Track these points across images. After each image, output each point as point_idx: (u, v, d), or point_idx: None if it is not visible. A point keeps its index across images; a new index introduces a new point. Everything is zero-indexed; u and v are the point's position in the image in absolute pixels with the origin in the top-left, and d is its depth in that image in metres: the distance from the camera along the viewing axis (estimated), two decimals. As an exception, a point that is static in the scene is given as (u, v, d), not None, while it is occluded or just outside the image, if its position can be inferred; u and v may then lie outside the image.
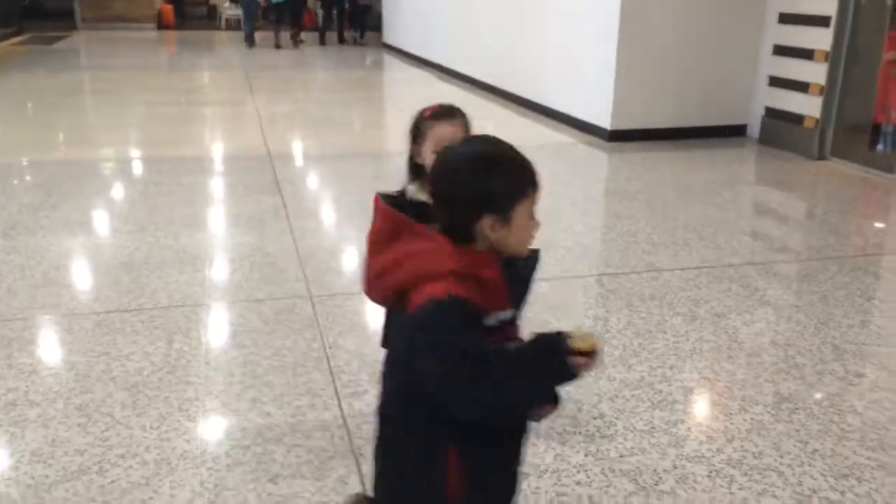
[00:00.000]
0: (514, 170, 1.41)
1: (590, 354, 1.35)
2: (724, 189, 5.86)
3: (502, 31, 9.54)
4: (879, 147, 6.52)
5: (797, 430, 2.63)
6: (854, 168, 6.43)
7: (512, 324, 1.47)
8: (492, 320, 1.38)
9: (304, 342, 3.22)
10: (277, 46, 15.67)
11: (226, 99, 9.93)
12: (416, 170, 2.15)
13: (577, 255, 4.37)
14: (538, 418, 1.60)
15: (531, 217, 1.43)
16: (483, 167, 1.39)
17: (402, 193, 1.97)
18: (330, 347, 3.18)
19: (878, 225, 5.33)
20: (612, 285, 3.95)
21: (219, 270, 4.05)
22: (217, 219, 5.00)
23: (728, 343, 3.27)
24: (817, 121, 6.70)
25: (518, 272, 1.49)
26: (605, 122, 7.33)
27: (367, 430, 2.59)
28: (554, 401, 1.55)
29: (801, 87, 6.82)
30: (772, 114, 7.23)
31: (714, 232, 4.71)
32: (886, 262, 4.37)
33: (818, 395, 2.86)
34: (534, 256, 1.55)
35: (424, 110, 2.16)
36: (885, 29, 6.64)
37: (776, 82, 7.15)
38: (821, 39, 6.57)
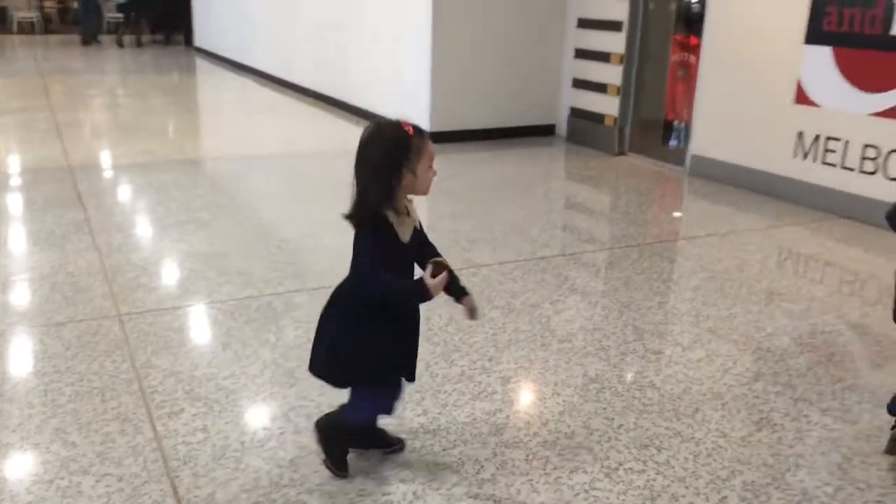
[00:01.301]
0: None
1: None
2: (536, 186, 6.16)
3: (323, 35, 9.47)
4: (672, 143, 7.12)
5: (604, 409, 2.81)
6: (650, 162, 6.98)
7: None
8: None
9: (112, 364, 3.04)
10: (119, 45, 15.94)
11: (18, 107, 9.14)
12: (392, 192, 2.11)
13: (398, 256, 4.42)
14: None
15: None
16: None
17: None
18: (141, 367, 3.02)
19: (672, 214, 5.82)
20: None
21: (14, 294, 3.73)
22: (12, 237, 4.59)
23: (542, 332, 3.45)
24: (616, 119, 7.20)
25: None
26: (425, 125, 7.44)
27: (183, 451, 2.49)
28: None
29: (601, 88, 7.31)
30: (576, 113, 7.69)
31: (529, 226, 4.94)
32: (679, 247, 4.78)
33: (622, 374, 3.08)
34: None
35: (406, 127, 2.11)
36: (671, 33, 7.25)
37: (579, 84, 7.61)
38: (615, 43, 7.07)
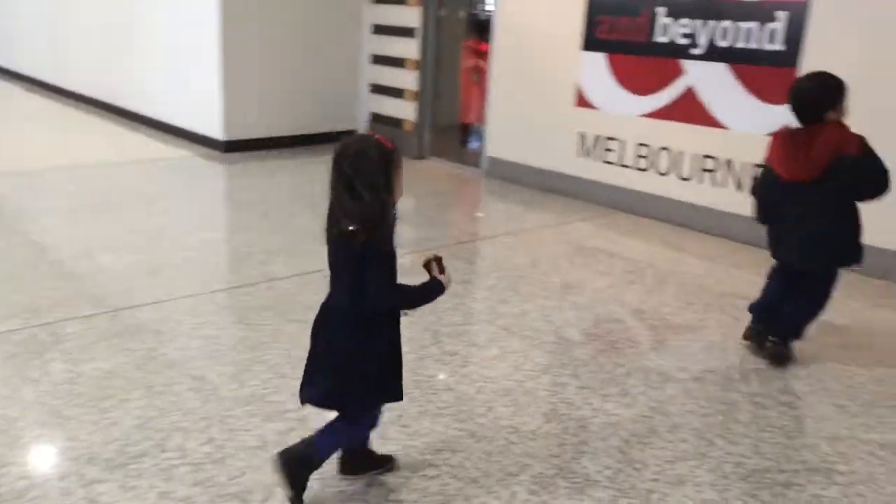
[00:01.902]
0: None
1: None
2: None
3: (106, 40, 8.81)
4: (473, 145, 7.33)
5: (399, 417, 2.79)
6: (450, 166, 7.13)
7: None
8: None
9: None
10: None
11: None
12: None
13: (189, 273, 4.18)
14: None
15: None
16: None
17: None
18: None
19: (471, 215, 5.98)
20: (225, 301, 3.85)
21: None
22: None
23: (339, 343, 3.38)
24: (414, 124, 7.30)
25: None
26: (219, 134, 7.17)
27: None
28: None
29: (398, 93, 7.37)
30: (377, 119, 7.71)
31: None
32: (477, 247, 4.90)
33: (418, 380, 3.08)
34: None
35: (389, 143, 2.13)
36: (462, 39, 7.47)
37: (377, 89, 7.63)
38: (409, 49, 7.16)
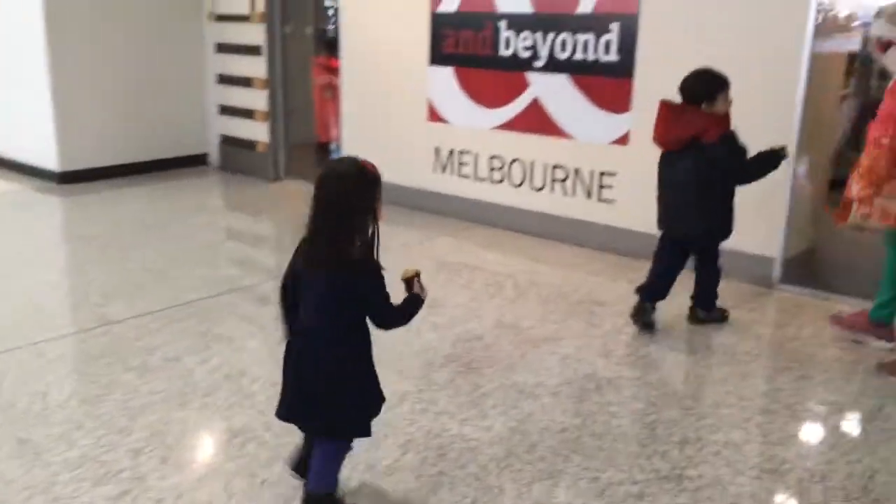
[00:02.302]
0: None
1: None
2: (185, 221, 5.79)
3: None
4: (331, 162, 7.14)
5: (248, 464, 2.63)
6: (308, 186, 6.90)
7: None
8: None
9: None
10: None
11: None
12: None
13: (15, 321, 3.82)
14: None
15: None
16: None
17: None
18: None
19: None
20: (56, 351, 3.53)
21: None
22: None
23: (182, 388, 3.16)
24: (268, 144, 7.07)
25: None
26: (53, 165, 6.68)
27: None
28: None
29: (248, 113, 7.13)
30: (228, 141, 7.42)
31: (173, 269, 4.59)
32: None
33: (268, 422, 2.91)
34: None
35: (369, 166, 2.17)
36: (312, 56, 7.32)
37: (226, 110, 7.35)
38: (256, 68, 6.93)
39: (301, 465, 2.38)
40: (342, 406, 2.20)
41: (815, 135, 4.43)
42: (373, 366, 2.28)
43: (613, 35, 4.78)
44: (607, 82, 4.86)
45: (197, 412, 2.98)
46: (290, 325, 2.27)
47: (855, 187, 3.34)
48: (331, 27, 7.08)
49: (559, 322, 3.93)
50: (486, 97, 5.52)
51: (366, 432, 2.29)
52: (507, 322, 3.94)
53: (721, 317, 3.90)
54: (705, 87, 3.53)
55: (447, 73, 5.69)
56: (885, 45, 3.38)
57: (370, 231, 2.14)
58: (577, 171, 5.15)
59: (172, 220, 5.78)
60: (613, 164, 4.95)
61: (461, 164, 5.78)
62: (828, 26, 4.43)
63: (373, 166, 2.15)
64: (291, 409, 2.26)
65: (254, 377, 3.26)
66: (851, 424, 3.00)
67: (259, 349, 3.55)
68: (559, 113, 5.15)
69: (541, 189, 5.37)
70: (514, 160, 5.48)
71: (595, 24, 4.85)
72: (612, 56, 4.81)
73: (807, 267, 4.58)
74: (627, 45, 4.73)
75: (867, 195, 3.27)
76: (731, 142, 3.51)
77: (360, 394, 2.25)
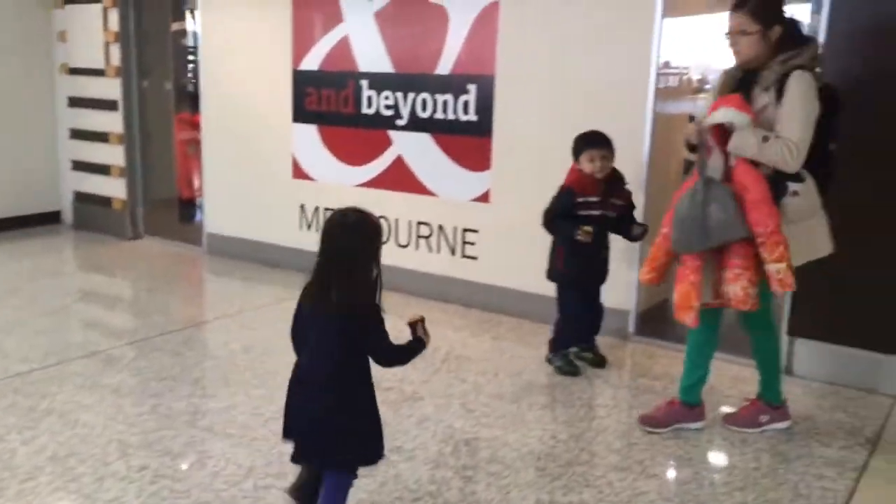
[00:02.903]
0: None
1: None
2: (27, 284, 5.39)
3: None
4: (197, 219, 6.94)
5: (65, 559, 2.38)
6: (168, 244, 6.64)
7: None
8: None
9: None
10: None
11: None
12: None
13: None
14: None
15: None
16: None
17: None
18: None
19: (185, 299, 5.55)
20: None
21: None
22: None
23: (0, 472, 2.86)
24: (125, 202, 6.74)
25: None
26: None
27: None
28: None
29: (103, 169, 6.80)
30: (81, 198, 7.04)
31: (6, 337, 4.23)
32: (187, 335, 4.51)
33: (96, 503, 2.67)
34: None
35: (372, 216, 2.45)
36: (172, 112, 7.09)
37: (79, 166, 6.99)
38: (112, 123, 6.64)
39: (298, 492, 2.57)
40: (348, 440, 2.37)
41: (660, 189, 4.62)
42: (375, 403, 2.45)
43: (471, 95, 4.86)
44: (467, 141, 4.93)
45: (14, 499, 2.69)
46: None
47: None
48: (192, 82, 6.89)
49: (420, 381, 3.85)
50: (350, 155, 5.48)
51: (372, 461, 2.49)
52: (380, 387, 3.81)
53: (567, 365, 3.99)
54: (573, 146, 3.87)
55: (311, 131, 5.62)
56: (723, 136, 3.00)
57: (374, 275, 2.34)
58: (440, 228, 5.16)
59: (19, 283, 5.37)
60: (475, 221, 4.99)
61: (326, 221, 5.68)
62: (671, 89, 4.69)
63: (374, 216, 2.42)
64: (301, 448, 2.42)
65: (82, 457, 3.00)
66: (700, 477, 3.05)
67: (93, 423, 3.28)
68: (422, 171, 5.17)
69: (406, 246, 5.34)
70: (379, 217, 5.42)
71: (453, 84, 4.93)
72: (471, 115, 4.88)
73: (659, 319, 4.73)
74: (485, 105, 4.82)
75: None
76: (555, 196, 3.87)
77: (364, 428, 2.41)
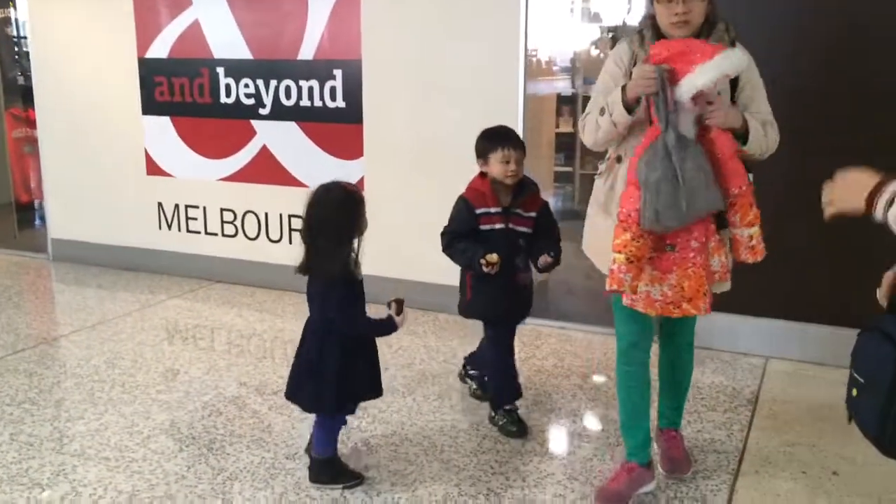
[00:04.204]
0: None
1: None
2: None
3: None
4: (38, 225, 6.37)
5: None
6: (7, 254, 6.04)
7: None
8: None
9: None
10: None
11: None
12: None
13: None
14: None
15: None
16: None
17: None
18: None
19: (33, 314, 5.05)
20: None
21: None
22: None
23: None
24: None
25: None
26: None
27: None
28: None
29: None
30: None
31: None
32: (40, 353, 4.10)
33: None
34: None
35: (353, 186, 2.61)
36: (3, 108, 6.45)
37: None
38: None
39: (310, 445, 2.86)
40: (305, 386, 2.68)
41: (534, 170, 4.66)
42: (339, 362, 2.61)
43: (338, 81, 4.69)
44: (337, 128, 4.76)
45: None
46: None
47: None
48: (26, 74, 6.28)
49: (308, 382, 3.68)
50: (211, 147, 5.16)
51: (325, 411, 2.72)
52: (252, 388, 3.62)
53: (511, 423, 3.17)
54: (477, 145, 3.09)
55: (164, 123, 5.25)
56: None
57: (355, 244, 2.59)
58: (314, 220, 4.96)
59: None
60: (351, 211, 4.84)
61: (189, 218, 5.34)
62: (537, 70, 4.73)
63: (356, 187, 2.70)
64: (288, 388, 2.74)
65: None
66: (602, 452, 3.09)
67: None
68: (291, 161, 4.95)
69: (278, 241, 5.11)
70: (247, 212, 5.17)
71: (318, 70, 4.73)
72: (339, 102, 4.72)
73: (543, 298, 4.79)
74: (353, 91, 4.66)
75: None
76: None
77: (319, 380, 2.62)
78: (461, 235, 3.06)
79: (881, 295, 1.70)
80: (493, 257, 2.91)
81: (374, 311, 2.73)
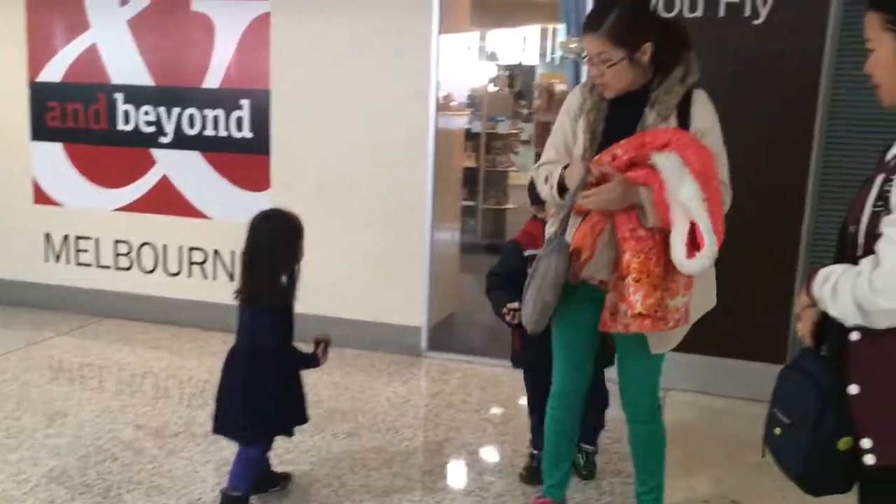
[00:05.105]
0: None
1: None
2: None
3: None
4: None
5: None
6: None
7: None
8: None
9: None
10: None
11: None
12: None
13: None
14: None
15: None
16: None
17: None
18: None
19: None
20: None
21: None
22: None
23: None
24: None
25: None
26: None
27: None
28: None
29: None
30: None
31: None
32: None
33: None
34: None
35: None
36: None
37: None
38: None
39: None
40: (256, 415, 2.62)
41: (443, 204, 4.69)
42: (288, 384, 2.68)
43: (245, 111, 4.59)
44: (243, 159, 4.65)
45: None
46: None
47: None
48: None
49: (208, 423, 3.52)
50: (106, 176, 4.93)
51: (249, 441, 2.69)
52: (150, 430, 3.43)
53: (524, 469, 3.09)
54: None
55: (55, 150, 4.98)
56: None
57: (293, 271, 2.62)
58: (217, 253, 4.81)
59: None
60: (255, 244, 4.71)
61: (79, 250, 5.07)
62: (446, 105, 4.78)
63: (296, 215, 2.67)
64: (217, 422, 2.70)
65: None
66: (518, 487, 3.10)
67: None
68: (192, 192, 4.79)
69: (177, 274, 4.91)
70: (143, 244, 4.95)
71: (224, 99, 4.62)
72: (246, 132, 4.61)
73: (449, 332, 4.80)
74: (261, 122, 4.57)
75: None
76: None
77: (272, 405, 2.62)
78: (506, 278, 2.85)
79: (804, 331, 1.66)
80: (515, 305, 2.66)
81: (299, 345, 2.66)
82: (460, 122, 6.03)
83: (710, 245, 2.08)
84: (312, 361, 2.71)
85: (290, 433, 2.79)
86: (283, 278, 2.60)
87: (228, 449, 3.25)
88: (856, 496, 1.59)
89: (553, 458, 2.67)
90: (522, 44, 13.33)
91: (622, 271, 2.22)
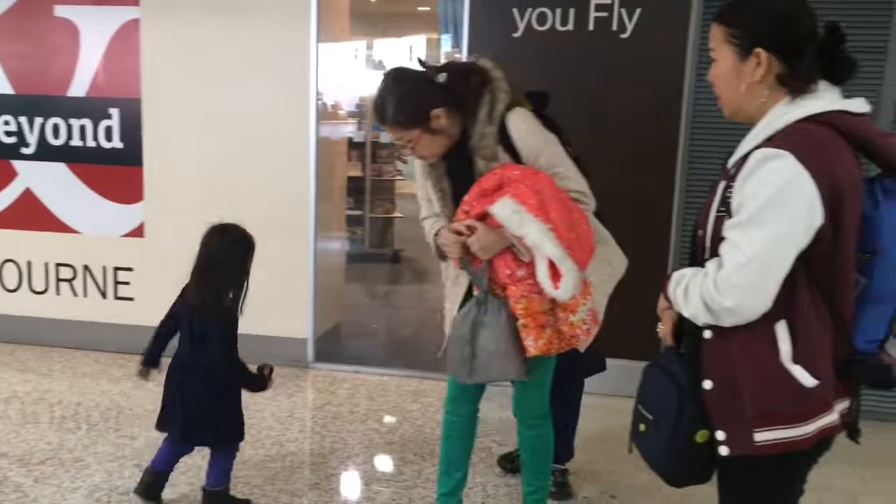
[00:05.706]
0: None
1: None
2: None
3: None
4: None
5: None
6: None
7: None
8: None
9: None
10: None
11: None
12: None
13: None
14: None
15: None
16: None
17: None
18: None
19: None
20: None
21: None
22: None
23: None
24: None
25: None
26: None
27: None
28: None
29: None
30: None
31: None
32: None
33: None
34: None
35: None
36: None
37: None
38: None
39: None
40: (229, 416, 2.71)
41: (327, 214, 4.66)
42: (238, 391, 2.74)
43: (114, 121, 4.40)
44: (113, 171, 4.45)
45: None
46: (156, 352, 2.77)
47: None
48: None
49: (82, 446, 3.36)
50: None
51: (237, 439, 2.81)
52: (14, 458, 3.22)
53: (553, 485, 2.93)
54: None
55: None
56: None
57: (243, 285, 2.66)
58: (87, 269, 4.58)
59: None
60: (129, 259, 4.52)
61: (-67, 270, 4.72)
62: (327, 114, 4.74)
63: (248, 232, 2.70)
64: (183, 431, 2.71)
65: None
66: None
67: None
68: (59, 205, 4.54)
69: (43, 292, 4.64)
70: (5, 261, 4.66)
71: (91, 108, 4.41)
72: (116, 143, 4.42)
73: (337, 343, 4.76)
74: (132, 132, 4.39)
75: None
76: None
77: (239, 405, 2.74)
78: None
79: (665, 332, 1.73)
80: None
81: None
82: (344, 130, 6.00)
83: (569, 270, 2.13)
84: (260, 383, 2.74)
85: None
86: (230, 293, 2.64)
87: (98, 475, 3.11)
88: (715, 485, 1.68)
89: (445, 465, 2.66)
90: (409, 53, 13.40)
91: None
